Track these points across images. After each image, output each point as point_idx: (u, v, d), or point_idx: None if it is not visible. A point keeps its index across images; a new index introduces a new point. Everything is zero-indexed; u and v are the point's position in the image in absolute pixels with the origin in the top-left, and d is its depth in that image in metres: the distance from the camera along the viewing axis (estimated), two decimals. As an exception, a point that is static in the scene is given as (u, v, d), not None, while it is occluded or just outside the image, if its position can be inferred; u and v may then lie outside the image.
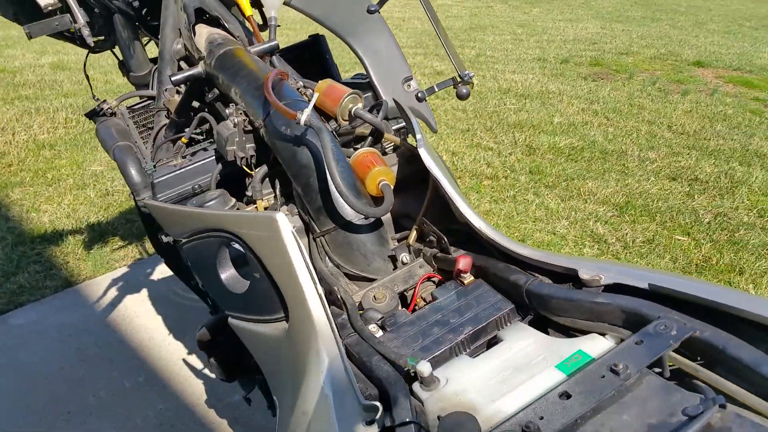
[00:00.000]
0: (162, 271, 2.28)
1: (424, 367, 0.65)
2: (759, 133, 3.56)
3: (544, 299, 0.71)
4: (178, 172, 1.13)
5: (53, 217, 2.58)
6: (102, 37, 1.47)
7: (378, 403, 0.60)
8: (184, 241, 0.96)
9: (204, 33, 1.24)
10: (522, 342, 0.68)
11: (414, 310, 0.83)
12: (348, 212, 0.88)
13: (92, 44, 1.40)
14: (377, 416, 0.59)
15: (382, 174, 0.91)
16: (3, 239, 2.39)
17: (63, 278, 2.21)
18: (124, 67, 1.49)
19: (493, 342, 0.72)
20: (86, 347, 1.91)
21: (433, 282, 0.88)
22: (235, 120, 1.01)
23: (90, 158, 3.17)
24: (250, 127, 1.03)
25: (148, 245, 2.42)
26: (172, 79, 1.18)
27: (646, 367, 0.57)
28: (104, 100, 1.37)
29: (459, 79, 1.20)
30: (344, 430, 0.61)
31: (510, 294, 0.76)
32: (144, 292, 2.16)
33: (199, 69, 1.19)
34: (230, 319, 0.91)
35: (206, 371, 1.81)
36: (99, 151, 3.25)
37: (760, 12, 7.44)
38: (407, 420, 0.58)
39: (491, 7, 8.42)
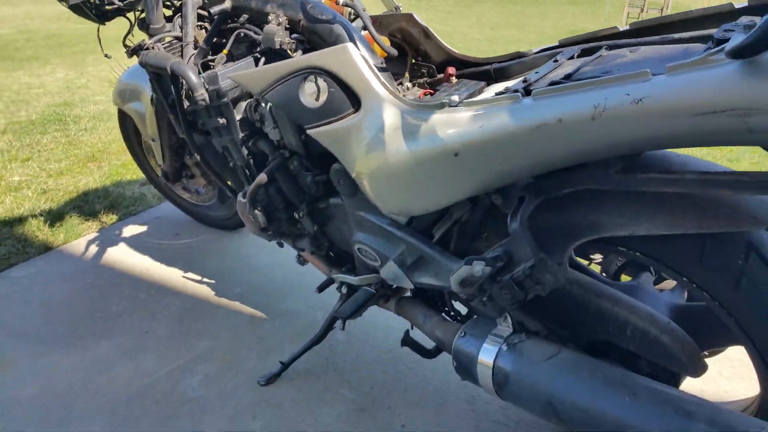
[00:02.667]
0: (131, 230, 2.65)
1: (455, 96, 1.27)
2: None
3: (504, 70, 1.38)
4: (233, 67, 1.67)
5: (2, 213, 2.81)
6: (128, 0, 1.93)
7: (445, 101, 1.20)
8: (266, 91, 1.49)
9: None
10: (497, 86, 1.34)
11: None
12: (372, 60, 1.49)
13: (122, 5, 1.88)
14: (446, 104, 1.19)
15: (383, 40, 1.54)
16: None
17: (41, 245, 2.49)
18: (144, 23, 1.96)
19: (479, 96, 1.37)
20: (92, 281, 2.25)
21: (429, 95, 1.51)
22: (280, 20, 1.58)
23: (6, 170, 3.37)
24: (288, 26, 1.60)
25: (106, 219, 2.76)
26: (212, 10, 1.71)
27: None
28: (142, 40, 1.85)
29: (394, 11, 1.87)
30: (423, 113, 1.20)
31: (481, 79, 1.42)
32: (122, 245, 2.53)
33: (226, 4, 1.74)
34: (309, 131, 1.45)
35: (206, 280, 2.25)
36: (16, 162, 3.47)
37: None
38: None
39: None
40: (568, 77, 1.11)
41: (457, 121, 1.13)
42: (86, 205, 2.91)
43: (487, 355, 1.22)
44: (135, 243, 2.55)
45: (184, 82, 1.78)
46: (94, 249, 2.49)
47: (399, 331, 1.87)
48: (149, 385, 1.72)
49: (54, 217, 2.75)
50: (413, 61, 1.63)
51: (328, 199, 1.66)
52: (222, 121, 1.73)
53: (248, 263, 2.39)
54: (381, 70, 1.51)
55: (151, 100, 2.21)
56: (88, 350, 1.87)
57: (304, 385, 1.72)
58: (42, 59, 7.24)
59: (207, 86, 1.72)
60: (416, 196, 1.28)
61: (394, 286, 1.60)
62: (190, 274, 2.30)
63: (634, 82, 0.88)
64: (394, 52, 1.50)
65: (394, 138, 1.27)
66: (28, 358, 1.83)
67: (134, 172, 3.35)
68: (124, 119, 2.56)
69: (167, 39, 1.92)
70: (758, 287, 1.01)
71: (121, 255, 2.45)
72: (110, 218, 2.78)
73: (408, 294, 1.62)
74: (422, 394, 1.69)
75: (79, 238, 2.59)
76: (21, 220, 2.72)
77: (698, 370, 1.14)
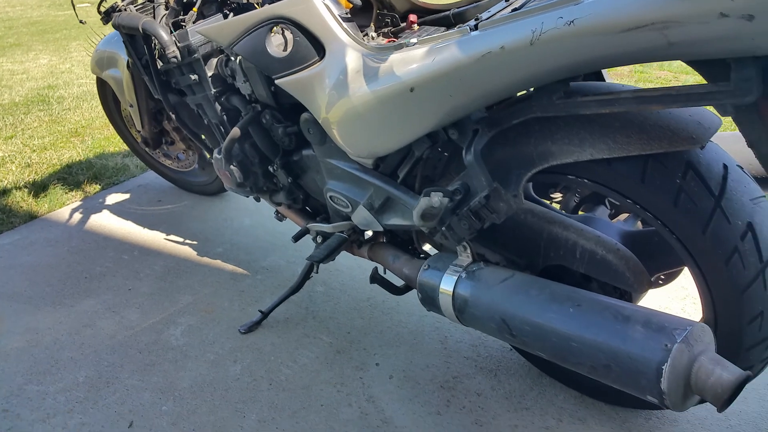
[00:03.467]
0: (114, 198, 2.69)
1: (413, 39, 1.32)
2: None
3: (462, 14, 1.43)
4: (203, 23, 1.71)
5: (-14, 183, 2.85)
6: None
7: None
8: (234, 44, 1.54)
9: None
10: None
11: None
12: (335, 8, 1.53)
13: None
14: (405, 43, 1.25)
15: (349, -10, 1.58)
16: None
17: (26, 215, 2.54)
18: None
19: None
20: (77, 245, 2.30)
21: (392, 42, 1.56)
22: None
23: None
24: None
25: (90, 188, 2.80)
26: None
27: None
28: (115, 2, 1.88)
29: None
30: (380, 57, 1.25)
31: (441, 26, 1.47)
32: (106, 212, 2.58)
33: None
34: (278, 81, 1.50)
35: (188, 242, 2.31)
36: (-1, 141, 3.50)
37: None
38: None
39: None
40: (514, 11, 1.16)
41: (412, 58, 1.19)
42: (70, 176, 2.95)
43: (447, 284, 1.29)
44: (118, 210, 2.60)
45: (156, 41, 1.83)
46: (78, 216, 2.54)
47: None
48: (133, 336, 1.79)
49: (38, 188, 2.79)
50: (377, 11, 1.67)
51: (300, 151, 1.71)
52: (194, 77, 1.78)
53: (230, 225, 2.45)
54: (346, 20, 1.55)
55: (127, 64, 2.25)
56: (74, 307, 1.93)
57: (284, 332, 1.79)
58: (24, 46, 7.20)
59: (178, 43, 1.76)
60: (380, 135, 1.34)
61: (365, 232, 1.66)
62: (172, 237, 2.36)
63: (566, 6, 0.93)
64: (358, 2, 1.54)
65: (356, 81, 1.32)
66: (14, 316, 1.89)
67: (117, 145, 3.39)
68: (104, 88, 2.59)
69: (139, 1, 1.96)
70: (695, 202, 1.08)
71: (105, 221, 2.50)
72: (94, 188, 2.83)
73: (381, 241, 1.68)
74: (397, 336, 1.76)
75: (63, 207, 2.64)
76: (5, 192, 2.76)
77: (643, 285, 1.21)
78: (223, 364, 1.67)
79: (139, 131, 2.44)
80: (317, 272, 1.70)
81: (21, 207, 2.61)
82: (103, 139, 3.51)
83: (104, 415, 1.50)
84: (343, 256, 2.19)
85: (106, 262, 2.19)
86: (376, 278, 1.57)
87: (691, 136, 1.07)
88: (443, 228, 1.28)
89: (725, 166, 1.10)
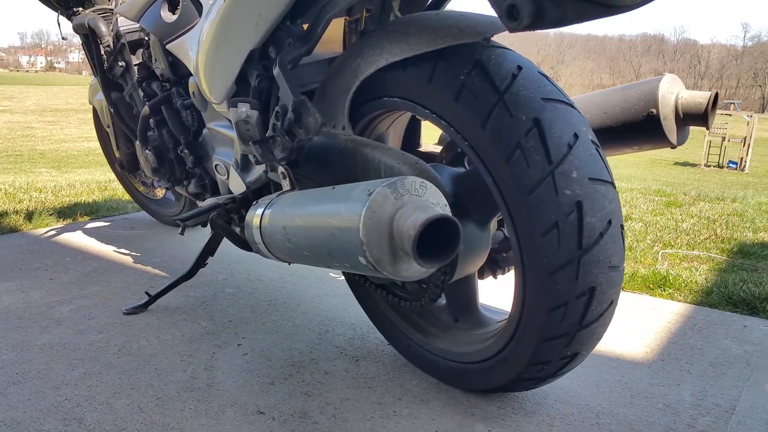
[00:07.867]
0: (94, 225, 2.80)
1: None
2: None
3: None
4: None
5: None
6: None
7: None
8: (140, 17, 1.64)
9: None
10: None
11: None
12: None
13: None
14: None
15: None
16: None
17: (7, 229, 2.68)
18: (90, 1, 2.20)
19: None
20: (32, 249, 2.38)
21: None
22: None
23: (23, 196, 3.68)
24: None
25: (80, 219, 2.94)
26: None
27: None
28: (78, 8, 2.08)
29: None
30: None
31: None
32: (79, 232, 2.68)
33: None
34: (167, 46, 1.57)
35: (134, 254, 2.33)
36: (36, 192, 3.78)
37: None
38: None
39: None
40: None
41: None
42: (69, 210, 3.11)
43: (258, 216, 1.21)
44: (91, 231, 2.69)
45: (99, 38, 1.98)
46: (52, 233, 2.64)
47: (288, 289, 1.87)
48: (25, 308, 1.77)
49: (34, 214, 2.95)
50: None
51: (201, 131, 1.74)
52: (122, 64, 1.89)
53: (183, 245, 2.46)
54: None
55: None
56: (-9, 288, 1.96)
57: (166, 316, 1.72)
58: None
59: (111, 33, 1.90)
60: (221, 64, 1.34)
61: (240, 208, 1.61)
62: (123, 249, 2.39)
63: None
64: None
65: (209, 21, 1.36)
66: (-66, 289, 1.94)
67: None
68: (99, 119, 2.79)
69: (98, 6, 2.15)
70: (476, 97, 1.00)
71: (73, 237, 2.58)
72: (83, 219, 2.96)
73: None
74: (277, 326, 1.64)
75: (45, 227, 2.76)
76: (3, 214, 2.94)
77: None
78: (87, 333, 1.60)
79: (116, 152, 2.58)
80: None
81: (8, 225, 2.76)
82: (122, 192, 3.72)
83: (-56, 357, 1.46)
84: (270, 269, 2.13)
85: (47, 261, 2.23)
86: (216, 223, 1.50)
87: (477, 30, 1.03)
88: (255, 146, 1.23)
89: (519, 68, 1.01)
